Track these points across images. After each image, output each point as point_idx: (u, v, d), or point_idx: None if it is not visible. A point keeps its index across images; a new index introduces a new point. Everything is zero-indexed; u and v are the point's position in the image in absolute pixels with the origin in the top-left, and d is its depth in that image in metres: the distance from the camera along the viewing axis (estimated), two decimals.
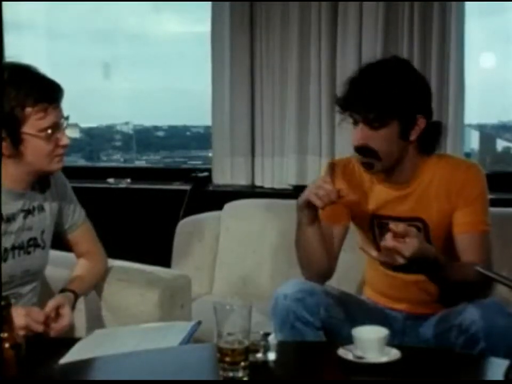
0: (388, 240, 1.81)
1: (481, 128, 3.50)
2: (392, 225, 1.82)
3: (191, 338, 1.89)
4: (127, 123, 4.30)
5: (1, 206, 1.93)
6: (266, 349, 1.69)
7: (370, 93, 1.96)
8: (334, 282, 2.16)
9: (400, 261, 1.81)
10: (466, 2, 3.02)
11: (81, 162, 4.29)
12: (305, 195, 1.99)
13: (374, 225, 2.12)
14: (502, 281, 1.56)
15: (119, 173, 3.74)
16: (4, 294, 1.74)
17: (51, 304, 1.97)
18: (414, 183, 2.07)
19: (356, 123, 2.00)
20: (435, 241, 2.05)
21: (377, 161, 2.01)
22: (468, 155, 3.28)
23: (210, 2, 3.40)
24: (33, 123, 1.91)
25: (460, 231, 2.03)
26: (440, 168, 2.06)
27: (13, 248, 2.00)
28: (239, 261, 2.99)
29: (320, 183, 1.96)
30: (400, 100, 1.96)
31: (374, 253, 1.88)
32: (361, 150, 2.01)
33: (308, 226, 2.06)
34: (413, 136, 2.00)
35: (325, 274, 2.13)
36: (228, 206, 3.08)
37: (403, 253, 1.79)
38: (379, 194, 2.10)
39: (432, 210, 2.05)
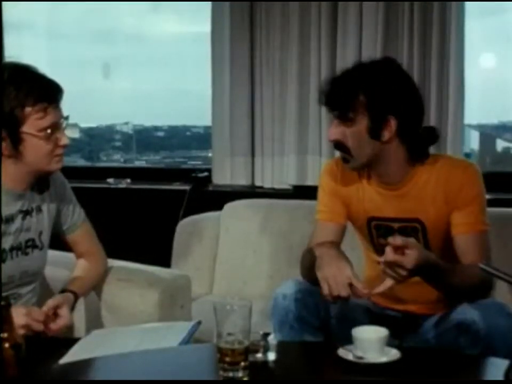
0: (388, 254, 1.81)
1: (481, 128, 3.50)
2: (390, 239, 1.82)
3: (191, 339, 1.89)
4: (127, 123, 4.30)
5: (1, 207, 1.93)
6: (266, 349, 1.69)
7: (339, 88, 2.00)
8: None
9: (403, 273, 1.81)
10: (466, 2, 3.02)
11: (81, 162, 4.29)
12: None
13: (371, 227, 2.12)
14: (505, 278, 1.56)
15: (119, 173, 3.74)
16: (3, 294, 1.74)
17: (50, 303, 1.97)
18: (409, 183, 2.06)
19: (333, 118, 2.03)
20: (433, 241, 2.06)
21: (350, 157, 2.03)
22: (467, 155, 3.28)
23: (210, 2, 3.40)
24: (33, 123, 1.91)
25: (459, 231, 2.03)
26: (437, 168, 2.05)
27: (11, 249, 2.00)
28: (239, 261, 3.00)
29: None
30: (367, 97, 1.96)
31: (383, 287, 1.89)
32: (337, 145, 2.03)
33: None
34: (385, 137, 1.99)
35: None
36: (228, 206, 3.08)
37: (405, 265, 1.80)
38: (375, 195, 2.10)
39: (430, 210, 2.04)
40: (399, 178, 2.06)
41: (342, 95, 1.98)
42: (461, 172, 2.04)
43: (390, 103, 1.97)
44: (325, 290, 1.86)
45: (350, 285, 1.85)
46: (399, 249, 1.81)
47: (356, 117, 1.97)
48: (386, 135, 1.99)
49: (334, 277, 1.86)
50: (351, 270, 1.88)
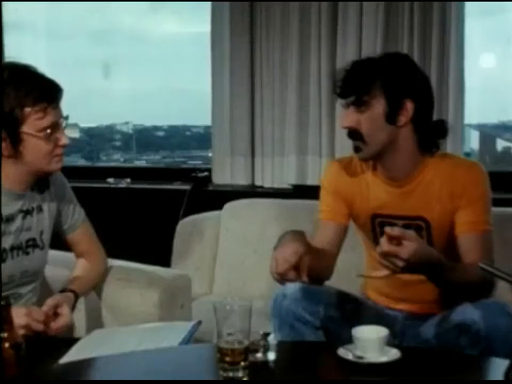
0: (383, 245, 1.80)
1: (481, 128, 3.50)
2: (387, 229, 1.81)
3: (191, 338, 1.89)
4: (127, 123, 4.30)
5: (0, 206, 1.93)
6: (266, 349, 1.69)
7: (354, 74, 2.00)
8: (334, 282, 2.16)
9: (400, 264, 1.80)
10: (466, 2, 3.02)
11: (81, 162, 4.29)
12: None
13: (375, 225, 2.12)
14: (505, 277, 1.56)
15: (119, 172, 3.74)
16: (3, 294, 1.74)
17: (50, 302, 1.97)
18: (414, 181, 2.06)
19: (346, 106, 2.02)
20: (437, 240, 2.06)
21: (364, 145, 2.02)
22: (467, 155, 3.28)
23: (210, 3, 3.40)
24: (33, 123, 1.91)
25: (462, 230, 2.03)
26: (443, 167, 2.06)
27: (12, 248, 2.01)
28: (239, 261, 2.99)
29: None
30: (384, 80, 1.97)
31: (379, 274, 1.89)
32: (350, 133, 2.03)
33: None
34: (401, 121, 2.00)
35: (322, 278, 2.12)
36: (228, 206, 3.08)
37: (401, 255, 1.78)
38: (380, 193, 2.10)
39: (435, 209, 2.05)
40: (407, 173, 2.06)
41: (358, 80, 1.99)
42: (466, 171, 2.04)
43: (406, 86, 1.99)
44: (270, 268, 1.85)
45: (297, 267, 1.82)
46: (396, 240, 1.80)
47: (372, 100, 1.98)
48: (402, 119, 2.00)
49: (279, 254, 1.84)
50: (300, 247, 1.84)
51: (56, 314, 1.97)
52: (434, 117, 2.12)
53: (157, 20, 3.94)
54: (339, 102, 2.11)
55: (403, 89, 1.99)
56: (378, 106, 1.98)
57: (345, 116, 2.03)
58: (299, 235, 1.97)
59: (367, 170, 2.13)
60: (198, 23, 3.59)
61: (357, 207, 2.14)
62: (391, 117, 1.99)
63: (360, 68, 2.02)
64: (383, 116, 1.99)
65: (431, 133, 2.06)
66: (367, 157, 2.06)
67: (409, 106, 1.99)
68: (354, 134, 2.02)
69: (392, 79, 1.99)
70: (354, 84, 2.00)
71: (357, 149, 2.04)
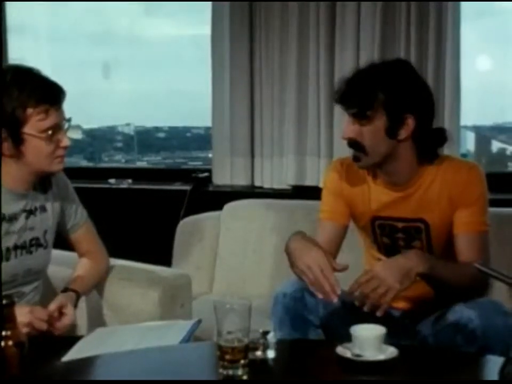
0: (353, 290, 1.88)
1: (477, 129, 3.52)
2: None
3: (191, 337, 1.91)
4: (128, 124, 4.31)
5: (1, 205, 1.94)
6: (265, 347, 1.70)
7: (356, 87, 2.00)
8: None
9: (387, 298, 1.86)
10: (462, 4, 3.02)
11: (83, 163, 4.30)
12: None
13: (375, 226, 2.14)
14: (500, 277, 1.57)
15: (120, 173, 3.75)
16: (7, 292, 1.76)
17: (54, 304, 1.99)
18: (414, 184, 2.07)
19: (348, 115, 2.03)
20: (436, 241, 2.08)
21: (364, 156, 2.02)
22: (464, 156, 3.29)
23: (210, 4, 3.41)
24: (35, 124, 1.93)
25: (459, 231, 2.04)
26: (442, 170, 2.07)
27: (15, 247, 2.02)
28: (239, 261, 3.00)
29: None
30: (386, 96, 1.96)
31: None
32: (351, 143, 2.03)
33: None
34: (402, 136, 2.00)
35: None
36: (228, 206, 3.09)
37: (361, 279, 1.88)
38: (380, 195, 2.11)
39: (434, 211, 2.06)
40: (407, 178, 2.07)
41: (360, 93, 1.98)
42: (466, 172, 2.05)
43: (408, 102, 1.98)
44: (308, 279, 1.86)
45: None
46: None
47: (374, 115, 1.97)
48: (403, 134, 2.00)
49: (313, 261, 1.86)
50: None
51: (61, 314, 1.99)
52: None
53: (157, 22, 3.95)
54: (338, 106, 2.12)
55: (405, 104, 1.98)
56: (380, 121, 1.98)
57: (346, 127, 2.03)
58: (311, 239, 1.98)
59: (368, 173, 2.13)
60: (197, 25, 3.61)
61: (358, 209, 2.15)
62: (392, 131, 1.99)
63: (362, 81, 2.00)
64: (384, 130, 1.98)
65: (431, 143, 2.07)
66: (366, 166, 2.07)
67: (410, 122, 1.98)
68: (355, 144, 2.02)
69: (394, 95, 1.97)
70: (356, 97, 1.98)
71: (356, 159, 2.05)
